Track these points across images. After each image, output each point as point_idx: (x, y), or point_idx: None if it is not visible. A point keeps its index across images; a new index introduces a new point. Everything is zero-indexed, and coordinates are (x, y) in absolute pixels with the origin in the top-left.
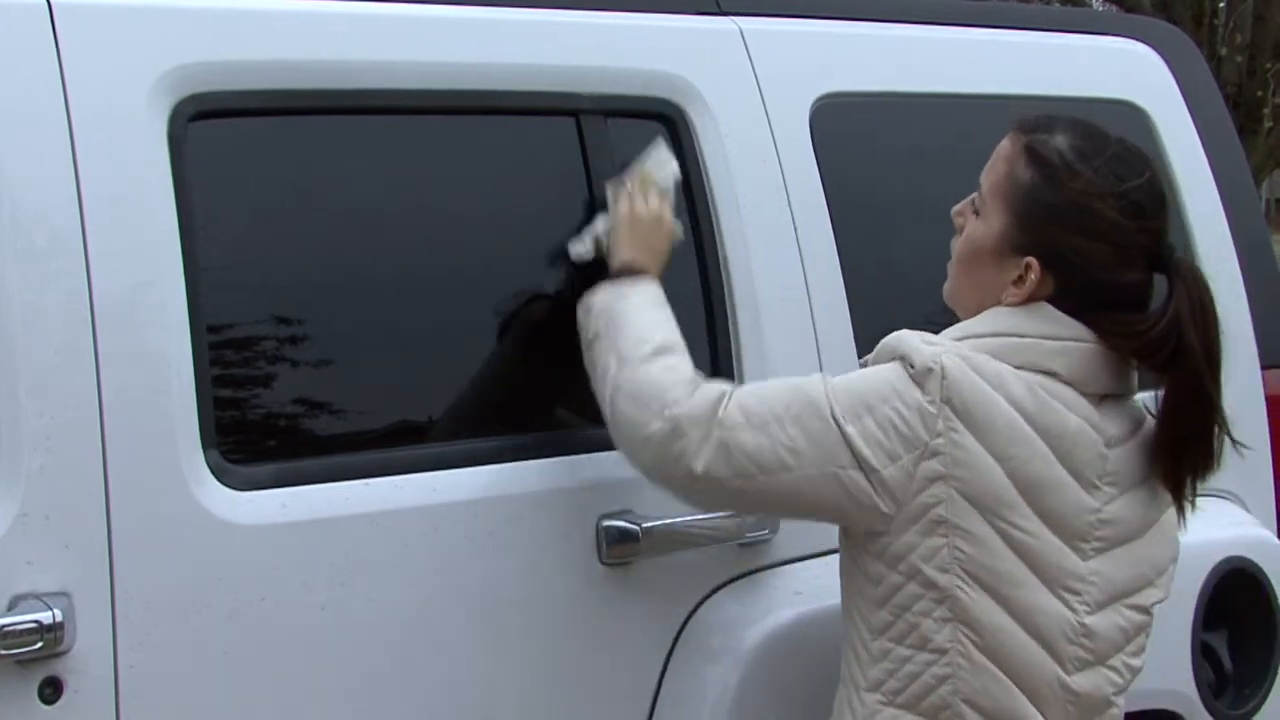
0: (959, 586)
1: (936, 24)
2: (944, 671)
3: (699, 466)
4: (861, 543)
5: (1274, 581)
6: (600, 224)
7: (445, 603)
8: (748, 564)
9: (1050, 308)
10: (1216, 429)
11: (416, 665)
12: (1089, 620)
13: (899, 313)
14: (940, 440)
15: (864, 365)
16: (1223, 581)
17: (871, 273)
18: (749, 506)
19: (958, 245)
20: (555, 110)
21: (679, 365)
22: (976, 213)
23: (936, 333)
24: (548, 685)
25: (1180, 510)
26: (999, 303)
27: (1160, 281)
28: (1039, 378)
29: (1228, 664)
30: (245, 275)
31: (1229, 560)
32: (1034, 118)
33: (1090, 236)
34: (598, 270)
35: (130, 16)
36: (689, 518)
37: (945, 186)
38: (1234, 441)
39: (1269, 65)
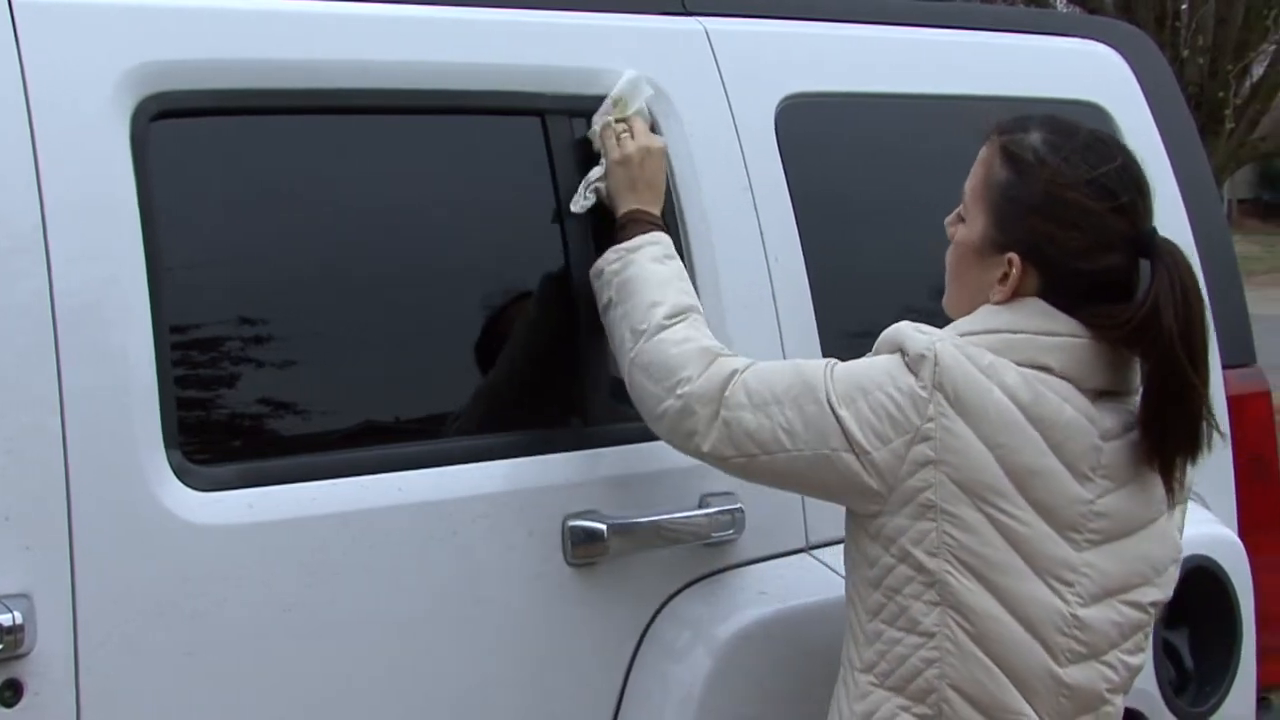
0: (948, 571)
1: (901, 25)
2: (931, 655)
3: (706, 445)
4: (861, 523)
5: (1234, 580)
6: (595, 173)
7: (411, 603)
8: (713, 564)
9: (1042, 303)
10: (1204, 410)
11: (382, 666)
12: (1081, 612)
13: (864, 311)
14: (931, 425)
15: None
16: (1184, 580)
17: (836, 272)
18: (756, 481)
19: (948, 253)
20: (520, 110)
21: (692, 334)
22: (963, 219)
23: None
24: (514, 685)
25: (1170, 491)
26: (988, 302)
27: (1147, 269)
28: (1035, 372)
29: (1189, 662)
30: (208, 275)
31: (1190, 558)
32: (1010, 119)
33: (1064, 225)
34: (598, 235)
35: (92, 15)
36: (655, 518)
37: (910, 186)
38: (1216, 429)
39: (1230, 67)
